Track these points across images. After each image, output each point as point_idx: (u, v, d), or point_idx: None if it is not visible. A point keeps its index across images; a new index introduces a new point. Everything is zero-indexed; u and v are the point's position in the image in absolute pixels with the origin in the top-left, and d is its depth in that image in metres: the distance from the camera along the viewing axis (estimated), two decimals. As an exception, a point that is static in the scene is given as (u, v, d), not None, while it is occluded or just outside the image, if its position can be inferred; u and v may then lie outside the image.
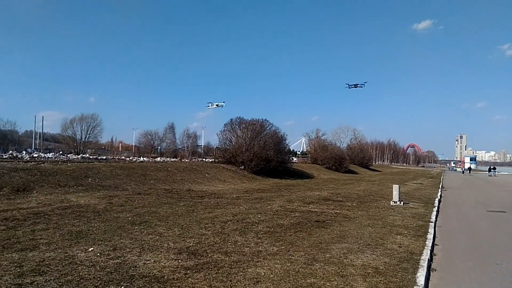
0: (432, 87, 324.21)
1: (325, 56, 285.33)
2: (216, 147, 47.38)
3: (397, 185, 17.36)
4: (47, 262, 6.25)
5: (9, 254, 6.68)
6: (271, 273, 6.04)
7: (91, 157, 34.20)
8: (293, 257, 7.07)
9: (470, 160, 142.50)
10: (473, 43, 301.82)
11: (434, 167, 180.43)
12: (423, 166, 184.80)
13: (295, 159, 67.67)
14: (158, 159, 40.25)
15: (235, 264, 6.52)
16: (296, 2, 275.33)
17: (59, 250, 7.04)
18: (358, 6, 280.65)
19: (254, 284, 5.53)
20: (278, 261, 6.76)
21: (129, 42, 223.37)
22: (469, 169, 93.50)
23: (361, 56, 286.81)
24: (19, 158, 24.21)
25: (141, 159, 37.25)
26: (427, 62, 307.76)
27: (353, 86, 59.94)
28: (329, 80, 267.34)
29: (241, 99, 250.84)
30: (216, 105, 65.79)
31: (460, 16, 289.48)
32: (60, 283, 5.29)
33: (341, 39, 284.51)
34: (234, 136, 38.83)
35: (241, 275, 5.93)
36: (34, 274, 5.66)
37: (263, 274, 6.01)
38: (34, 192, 14.86)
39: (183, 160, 41.02)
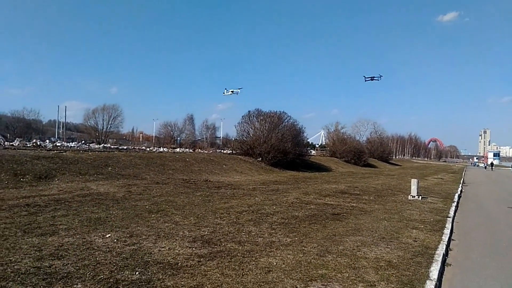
0: (456, 80, 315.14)
1: (346, 47, 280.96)
2: (234, 139, 47.54)
3: (415, 179, 17.09)
4: (66, 247, 6.46)
5: (30, 239, 6.92)
6: (283, 263, 6.08)
7: (112, 146, 34.91)
8: (306, 248, 7.09)
9: (494, 156, 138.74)
10: (499, 35, 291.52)
11: (457, 162, 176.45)
12: (445, 161, 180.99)
13: (313, 152, 67.29)
14: (178, 150, 40.72)
15: (247, 253, 6.58)
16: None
17: (77, 236, 7.26)
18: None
19: (265, 273, 5.58)
20: (291, 252, 6.79)
21: (151, 31, 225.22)
22: (492, 164, 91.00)
23: (384, 48, 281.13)
24: (42, 147, 24.90)
25: (161, 149, 37.75)
26: (451, 55, 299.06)
27: (369, 78, 58.93)
28: (350, 72, 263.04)
29: (261, 91, 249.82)
30: (232, 91, 63.89)
31: (487, 8, 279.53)
32: (77, 267, 5.47)
33: (363, 29, 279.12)
34: (252, 128, 38.87)
35: (253, 264, 5.99)
36: (53, 258, 5.86)
37: (275, 264, 6.05)
38: (56, 179, 15.28)
39: (201, 151, 41.37)
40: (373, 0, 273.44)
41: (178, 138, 65.57)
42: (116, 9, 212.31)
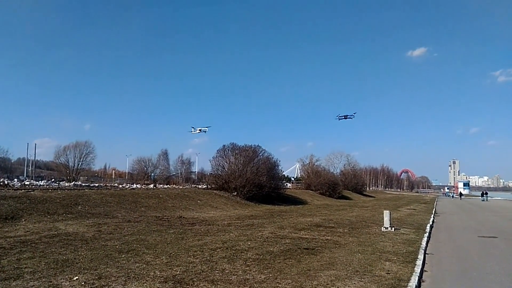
0: (426, 113, 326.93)
1: (319, 83, 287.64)
2: (209, 174, 47.29)
3: (387, 211, 17.36)
4: (29, 292, 6.15)
5: (-9, 284, 6.56)
6: (257, 302, 5.98)
7: (83, 184, 33.94)
8: (280, 285, 7.02)
9: (464, 186, 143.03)
10: (466, 69, 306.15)
11: (428, 192, 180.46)
12: (417, 192, 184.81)
13: (289, 185, 67.56)
14: (151, 186, 40.00)
15: (221, 292, 6.45)
16: (292, 24, 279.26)
17: (43, 279, 6.94)
18: (352, 32, 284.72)
19: (238, 312, 5.47)
20: (265, 289, 6.69)
21: (123, 68, 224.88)
22: (460, 194, 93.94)
23: (357, 80, 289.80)
24: (9, 186, 23.94)
25: (134, 186, 37.00)
26: (421, 89, 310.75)
27: (343, 117, 60.82)
28: (323, 106, 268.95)
29: (236, 126, 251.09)
30: (199, 130, 63.85)
31: (454, 43, 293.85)
32: (41, 314, 5.20)
33: (335, 62, 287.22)
34: (226, 162, 38.93)
35: (226, 303, 5.87)
36: (15, 304, 5.56)
37: (248, 302, 5.95)
38: (23, 220, 14.66)
39: (175, 186, 40.80)
40: (344, 33, 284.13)
41: (152, 174, 64.52)
42: (91, 43, 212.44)
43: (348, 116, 61.12)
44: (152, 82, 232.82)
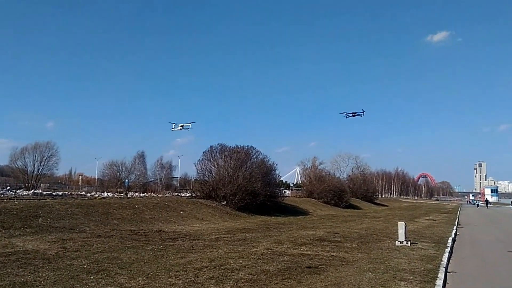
0: (447, 108, 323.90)
1: (324, 74, 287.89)
2: (194, 179, 47.22)
3: (403, 222, 17.47)
4: (-20, 321, 6.11)
5: None
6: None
7: (44, 193, 33.76)
8: (277, 310, 7.03)
9: (491, 192, 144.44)
10: (495, 57, 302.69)
11: (450, 200, 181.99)
12: (437, 200, 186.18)
13: (287, 192, 67.59)
14: (125, 194, 39.85)
15: (207, 319, 6.45)
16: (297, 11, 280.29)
17: (-4, 306, 6.89)
18: (360, 12, 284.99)
19: None
20: (259, 315, 6.71)
21: (93, 53, 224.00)
22: (487, 202, 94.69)
23: (365, 74, 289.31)
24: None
25: (104, 194, 36.84)
26: (441, 80, 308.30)
27: (351, 115, 61.00)
28: (328, 102, 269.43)
29: (226, 124, 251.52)
30: (182, 126, 63.36)
31: (481, 27, 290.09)
32: None
33: (342, 54, 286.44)
34: (214, 166, 38.87)
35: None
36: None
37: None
38: (-28, 235, 14.54)
39: (154, 195, 40.68)
40: (354, 24, 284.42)
41: (126, 180, 64.19)
42: (55, 29, 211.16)
43: (356, 114, 61.27)
44: (127, 74, 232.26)
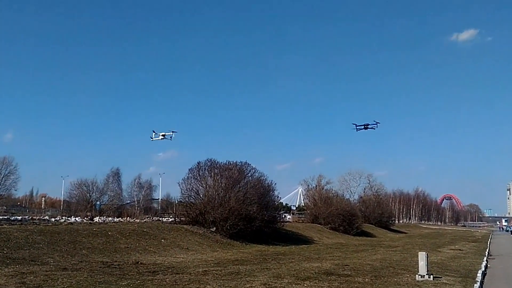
0: (475, 118, 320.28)
1: (330, 80, 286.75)
2: (178, 201, 47.04)
3: (424, 253, 17.41)
4: None
5: None
6: None
7: (0, 217, 33.54)
8: None
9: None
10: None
11: (479, 226, 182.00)
12: (464, 225, 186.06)
13: (288, 216, 67.42)
14: (96, 219, 39.64)
15: None
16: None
17: None
18: (374, 9, 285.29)
19: None
20: None
21: (59, 60, 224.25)
22: None
23: (379, 80, 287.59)
24: None
25: (72, 219, 36.64)
26: (468, 85, 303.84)
27: (362, 127, 61.30)
28: (337, 111, 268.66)
29: (216, 136, 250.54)
30: (163, 135, 63.00)
31: None
32: None
33: (351, 58, 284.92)
34: (202, 186, 38.79)
35: None
36: None
37: None
38: None
39: (131, 220, 40.47)
40: (366, 21, 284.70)
41: (98, 203, 63.83)
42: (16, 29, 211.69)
43: (369, 126, 61.55)
44: (100, 77, 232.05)
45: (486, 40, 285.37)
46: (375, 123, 61.92)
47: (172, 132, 63.46)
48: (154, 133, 63.54)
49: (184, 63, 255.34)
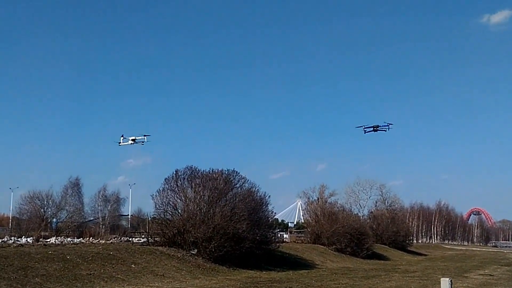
0: (509, 118, 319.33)
1: (334, 73, 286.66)
2: (152, 218, 46.86)
3: (447, 279, 17.45)
4: None
5: None
6: None
7: None
8: None
9: None
10: None
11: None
12: (496, 246, 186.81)
13: (285, 235, 67.64)
14: (52, 240, 39.39)
15: None
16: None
17: None
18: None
19: None
20: None
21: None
22: None
23: (395, 72, 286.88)
24: None
25: (22, 240, 36.38)
26: (501, 76, 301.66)
27: (371, 129, 61.71)
28: (344, 110, 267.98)
29: (198, 140, 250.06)
30: (133, 140, 62.82)
31: None
32: None
33: (361, 46, 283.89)
34: (181, 199, 38.61)
35: None
36: None
37: None
38: None
39: (93, 241, 40.25)
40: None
41: (54, 220, 63.56)
42: None
43: (379, 128, 62.01)
44: (53, 74, 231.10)
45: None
46: (386, 124, 62.38)
47: (144, 136, 63.53)
48: (122, 138, 63.64)
49: (157, 60, 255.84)
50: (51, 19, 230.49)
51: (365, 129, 62.73)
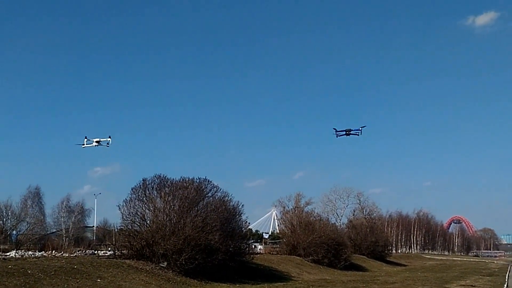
0: (492, 123, 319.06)
1: (314, 73, 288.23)
2: (119, 230, 46.49)
3: (429, 290, 17.61)
4: None
5: None
6: None
7: None
8: None
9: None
10: None
11: (496, 256, 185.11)
12: (477, 255, 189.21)
13: (259, 246, 67.55)
14: (12, 253, 38.84)
15: None
16: None
17: None
18: None
19: None
20: None
21: None
22: None
23: (376, 73, 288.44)
24: None
25: (-20, 254, 35.79)
26: (485, 80, 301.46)
27: (343, 133, 62.22)
28: (322, 112, 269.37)
29: (168, 147, 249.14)
30: (97, 142, 62.70)
31: None
32: None
33: (344, 49, 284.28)
34: (149, 209, 38.36)
35: None
36: None
37: None
38: None
39: (56, 254, 39.77)
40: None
41: (14, 232, 62.74)
42: None
43: (351, 132, 62.52)
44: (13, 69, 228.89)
45: (509, 25, 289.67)
46: (359, 128, 62.77)
47: (109, 137, 63.20)
48: (86, 139, 63.14)
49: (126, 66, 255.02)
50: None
51: (337, 133, 63.19)
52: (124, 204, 39.26)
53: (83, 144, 63.36)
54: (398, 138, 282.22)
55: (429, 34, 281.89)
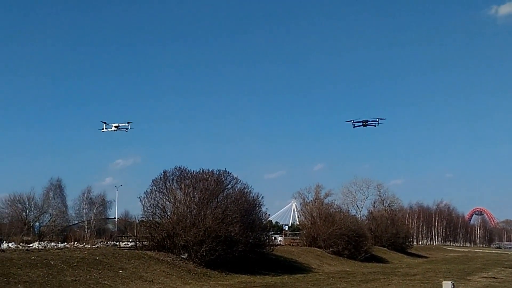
0: None
1: (334, 67, 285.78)
2: (140, 221, 46.74)
3: (449, 282, 17.54)
4: None
5: None
6: None
7: None
8: None
9: None
10: None
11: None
12: (499, 247, 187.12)
13: (279, 238, 67.52)
14: (35, 245, 39.24)
15: None
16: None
17: None
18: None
19: None
20: None
21: None
22: None
23: (396, 65, 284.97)
24: None
25: (3, 245, 36.21)
26: (507, 71, 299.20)
27: (360, 123, 61.88)
28: (341, 105, 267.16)
29: (189, 138, 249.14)
30: (116, 127, 62.87)
31: None
32: None
33: (366, 39, 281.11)
34: (170, 201, 38.44)
35: None
36: None
37: None
38: None
39: (78, 246, 40.12)
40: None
41: (37, 224, 63.34)
42: None
43: (368, 122, 62.16)
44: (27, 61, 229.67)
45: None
46: (376, 119, 62.42)
47: (128, 123, 63.49)
48: (105, 124, 63.52)
49: (148, 59, 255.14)
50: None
51: (354, 123, 62.98)
52: (145, 196, 39.41)
53: (102, 129, 63.80)
54: (419, 129, 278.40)
55: (451, 24, 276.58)
